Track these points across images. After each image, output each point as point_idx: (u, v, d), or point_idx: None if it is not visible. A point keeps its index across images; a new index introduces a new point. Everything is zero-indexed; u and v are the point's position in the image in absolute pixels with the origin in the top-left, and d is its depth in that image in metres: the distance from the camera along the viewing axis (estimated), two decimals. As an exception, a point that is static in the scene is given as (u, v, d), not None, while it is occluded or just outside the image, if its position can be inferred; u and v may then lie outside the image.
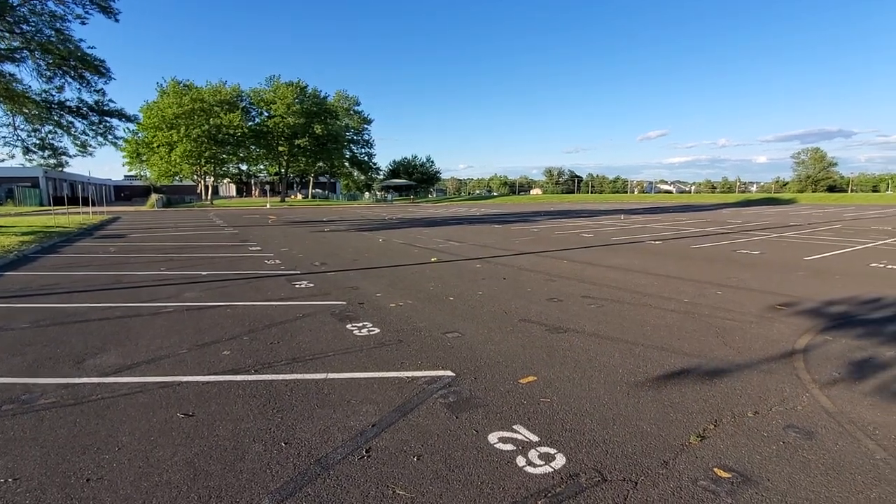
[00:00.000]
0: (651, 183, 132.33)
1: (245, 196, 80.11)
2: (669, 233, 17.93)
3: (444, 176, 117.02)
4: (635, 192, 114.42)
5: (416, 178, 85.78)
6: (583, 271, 9.71)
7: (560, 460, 3.02)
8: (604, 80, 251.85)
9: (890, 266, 10.13)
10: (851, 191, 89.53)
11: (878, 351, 4.95)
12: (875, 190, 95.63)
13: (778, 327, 5.79)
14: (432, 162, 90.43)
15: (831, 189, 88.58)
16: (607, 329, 5.78)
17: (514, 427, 3.44)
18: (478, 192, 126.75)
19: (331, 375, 4.40)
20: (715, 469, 2.93)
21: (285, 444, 3.24)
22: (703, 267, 10.20)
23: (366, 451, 3.12)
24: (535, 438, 3.29)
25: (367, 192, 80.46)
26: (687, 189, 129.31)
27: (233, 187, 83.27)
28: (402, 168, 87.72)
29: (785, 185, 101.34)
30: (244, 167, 70.82)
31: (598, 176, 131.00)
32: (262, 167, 71.69)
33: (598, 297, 7.38)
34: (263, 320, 6.27)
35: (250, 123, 58.48)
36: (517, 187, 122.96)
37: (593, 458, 3.04)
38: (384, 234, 18.90)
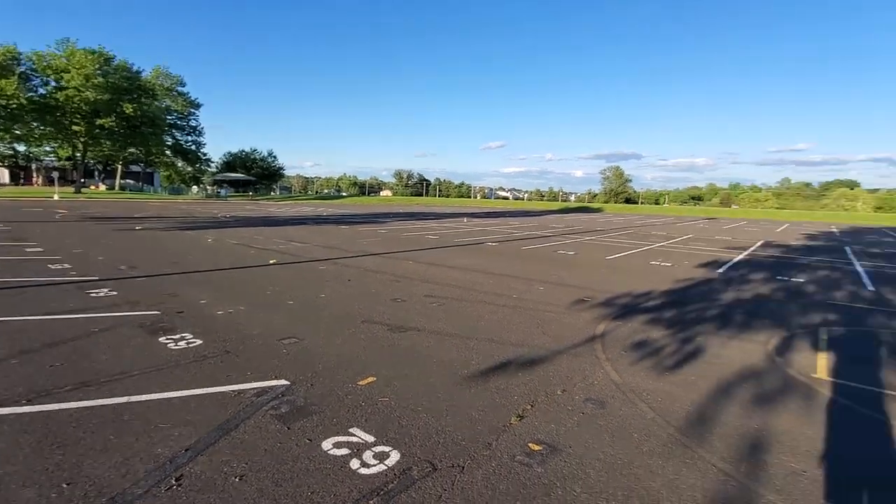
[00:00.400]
0: (491, 189, 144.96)
1: (24, 184, 64.11)
2: (505, 235, 19.80)
3: (289, 173, 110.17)
4: (478, 197, 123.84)
5: (255, 174, 78.85)
6: (427, 271, 10.09)
7: (394, 457, 3.05)
8: (452, 89, 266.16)
9: (664, 264, 12.73)
10: (641, 203, 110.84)
11: (651, 332, 6.15)
12: (657, 202, 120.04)
13: (584, 316, 6.80)
14: (275, 157, 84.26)
15: (627, 201, 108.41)
16: (447, 326, 6.08)
17: (351, 430, 3.38)
18: (326, 191, 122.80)
19: (134, 398, 3.75)
20: (530, 444, 3.28)
21: (67, 485, 2.65)
22: (531, 265, 11.48)
23: (175, 480, 2.72)
24: (370, 439, 3.27)
25: (194, 186, 71.22)
26: (521, 196, 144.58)
27: (6, 173, 65.92)
28: (238, 161, 79.71)
29: (595, 196, 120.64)
30: (22, 148, 56.69)
31: (444, 180, 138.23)
32: (49, 149, 58.19)
33: (440, 296, 7.74)
34: (42, 338, 5.06)
35: (32, 94, 46.87)
36: (367, 188, 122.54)
37: (426, 451, 3.15)
38: (214, 233, 16.98)
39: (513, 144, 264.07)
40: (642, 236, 22.12)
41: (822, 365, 5.15)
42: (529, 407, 3.87)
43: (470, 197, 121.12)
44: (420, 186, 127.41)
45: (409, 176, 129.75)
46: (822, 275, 11.74)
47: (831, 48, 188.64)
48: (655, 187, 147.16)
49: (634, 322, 6.61)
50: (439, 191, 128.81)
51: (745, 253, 16.10)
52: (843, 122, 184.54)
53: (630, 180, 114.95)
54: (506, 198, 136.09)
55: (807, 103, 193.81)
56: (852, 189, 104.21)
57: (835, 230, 33.89)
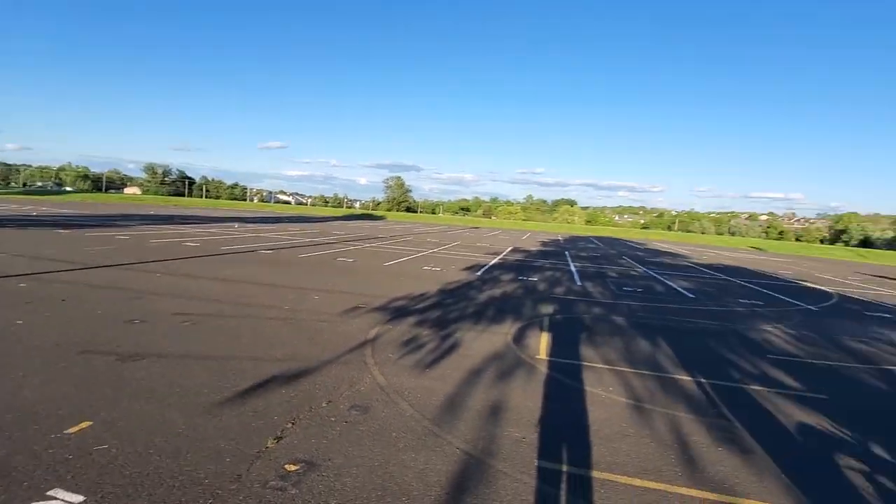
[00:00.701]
0: (271, 193, 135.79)
1: None
2: (282, 242, 18.70)
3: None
4: (255, 201, 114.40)
5: None
6: (180, 285, 8.68)
7: (104, 522, 2.44)
8: (218, 74, 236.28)
9: (435, 269, 13.98)
10: (420, 212, 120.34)
11: (419, 333, 6.61)
12: (433, 212, 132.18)
13: (357, 323, 6.87)
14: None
15: (408, 210, 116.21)
16: (200, 347, 5.30)
17: (51, 493, 2.59)
18: (41, 184, 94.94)
19: None
20: (286, 465, 3.07)
21: None
22: (308, 274, 11.07)
23: None
24: (77, 500, 2.55)
25: None
26: (304, 201, 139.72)
27: None
28: None
29: (378, 204, 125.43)
30: None
31: (213, 180, 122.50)
32: None
33: (195, 314, 6.73)
34: None
35: None
36: (104, 183, 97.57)
37: (155, 501, 2.62)
38: None
39: (296, 146, 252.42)
40: (419, 243, 23.96)
41: (543, 348, 6.38)
42: (290, 425, 3.65)
43: (245, 200, 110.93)
44: (181, 185, 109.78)
45: (166, 172, 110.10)
46: (549, 274, 14.75)
47: (550, 84, 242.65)
48: (432, 198, 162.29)
49: (404, 324, 7.00)
50: (207, 191, 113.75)
51: (498, 258, 19.05)
52: (565, 153, 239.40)
53: (410, 190, 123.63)
54: (287, 202, 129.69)
55: (539, 135, 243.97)
56: (572, 206, 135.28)
57: (560, 238, 43.34)
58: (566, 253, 24.65)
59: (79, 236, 15.61)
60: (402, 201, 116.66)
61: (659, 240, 59.00)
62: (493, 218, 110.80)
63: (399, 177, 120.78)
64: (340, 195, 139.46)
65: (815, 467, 3.63)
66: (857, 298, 14.45)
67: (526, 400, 4.51)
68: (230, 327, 6.18)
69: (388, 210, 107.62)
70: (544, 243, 32.62)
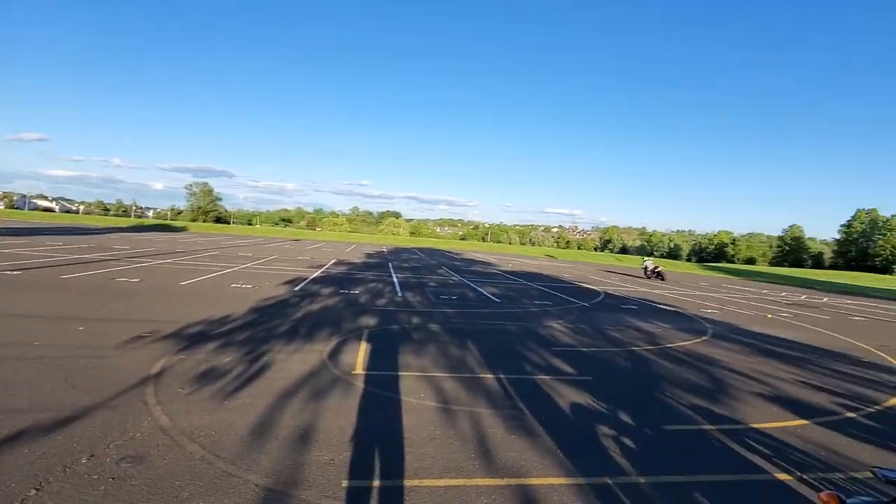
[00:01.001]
0: (25, 197, 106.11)
1: None
2: (37, 260, 14.72)
3: None
4: (0, 206, 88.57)
5: None
6: None
7: None
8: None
9: (245, 286, 12.69)
10: (233, 223, 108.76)
11: (219, 360, 5.86)
12: (250, 223, 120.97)
13: (138, 356, 5.75)
14: None
15: (218, 220, 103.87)
16: None
17: None
18: None
19: None
20: (5, 560, 2.32)
21: None
22: (71, 300, 8.88)
23: None
24: None
25: None
26: (74, 208, 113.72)
27: None
28: None
29: (180, 213, 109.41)
30: None
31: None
32: None
33: None
34: None
35: None
36: None
37: None
38: None
39: (60, 140, 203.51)
40: (228, 258, 21.58)
41: (360, 362, 6.30)
42: (34, 492, 2.83)
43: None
44: None
45: None
46: (372, 286, 14.80)
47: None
48: (248, 208, 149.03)
49: (202, 352, 6.13)
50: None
51: (320, 271, 18.36)
52: (390, 166, 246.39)
53: (221, 199, 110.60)
54: (50, 209, 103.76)
55: (365, 147, 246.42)
56: (397, 218, 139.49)
57: (384, 250, 44.13)
58: (390, 264, 25.18)
59: None
60: (209, 211, 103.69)
61: (474, 250, 64.95)
62: (317, 230, 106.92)
63: (206, 183, 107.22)
64: (127, 202, 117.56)
65: (581, 438, 4.33)
66: (616, 295, 18.14)
67: (339, 419, 4.36)
68: (-69, 379, 4.52)
69: (193, 220, 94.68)
70: (369, 255, 32.79)
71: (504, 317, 10.88)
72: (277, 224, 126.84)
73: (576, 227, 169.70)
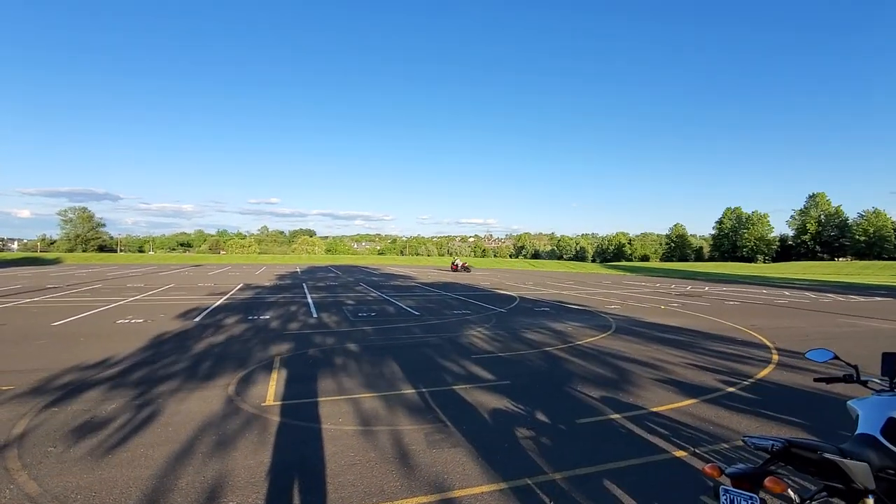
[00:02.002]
0: None
1: None
2: None
3: None
4: None
5: None
6: None
7: None
8: None
9: (135, 320, 11.38)
10: (121, 251, 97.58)
11: (100, 410, 5.14)
12: (141, 250, 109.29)
13: (-6, 415, 4.86)
14: None
15: (102, 248, 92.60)
16: None
17: None
18: None
19: None
20: None
21: None
22: None
23: None
24: None
25: None
26: None
27: None
28: None
29: (53, 243, 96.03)
30: None
31: None
32: None
33: None
34: None
35: None
36: None
37: None
38: None
39: None
40: (114, 290, 19.27)
41: (272, 392, 5.88)
42: None
43: None
44: None
45: None
46: (284, 309, 14.02)
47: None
48: (138, 233, 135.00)
49: (79, 403, 5.34)
50: None
51: (224, 298, 17.05)
52: (301, 183, 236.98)
53: (104, 224, 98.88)
54: None
55: (273, 166, 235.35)
56: (311, 236, 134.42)
57: (298, 270, 42.21)
58: (304, 285, 24.13)
59: None
60: (91, 238, 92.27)
61: (393, 264, 64.52)
62: (222, 253, 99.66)
63: (85, 207, 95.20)
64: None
65: (500, 443, 4.40)
66: (530, 298, 18.97)
67: (248, 458, 4.00)
68: None
69: (70, 250, 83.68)
70: (281, 276, 31.16)
71: (424, 329, 10.86)
72: (175, 249, 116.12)
73: (490, 235, 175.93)
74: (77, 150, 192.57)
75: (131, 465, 3.84)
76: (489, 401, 5.66)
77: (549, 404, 5.56)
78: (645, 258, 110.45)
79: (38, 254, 73.98)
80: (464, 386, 6.28)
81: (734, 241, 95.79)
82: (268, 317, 12.36)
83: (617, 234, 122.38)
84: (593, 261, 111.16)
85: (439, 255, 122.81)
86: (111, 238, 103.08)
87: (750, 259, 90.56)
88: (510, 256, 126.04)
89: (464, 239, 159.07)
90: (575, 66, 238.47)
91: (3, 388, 5.78)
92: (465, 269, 43.30)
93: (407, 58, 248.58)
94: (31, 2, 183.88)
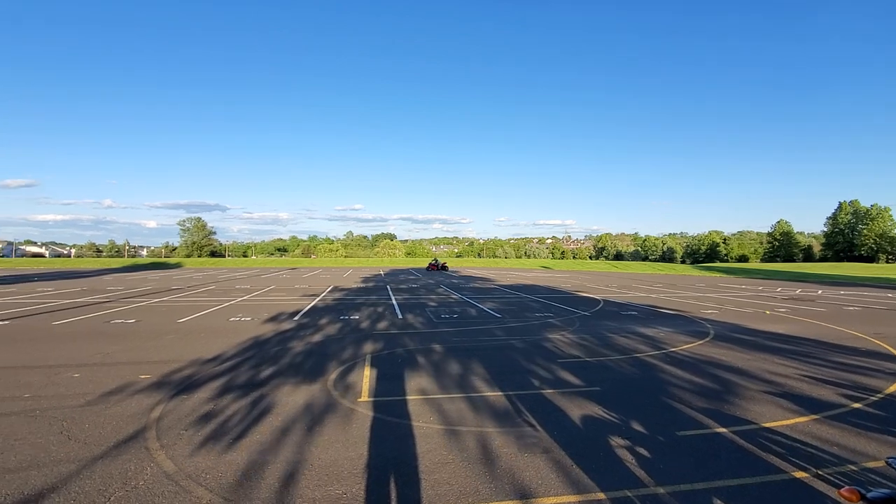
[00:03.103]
0: (12, 244, 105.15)
1: None
2: (27, 307, 14.53)
3: None
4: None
5: None
6: None
7: None
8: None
9: (244, 318, 12.57)
10: (228, 256, 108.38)
11: (221, 398, 5.75)
12: (245, 255, 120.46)
13: (137, 400, 5.63)
14: None
15: (213, 254, 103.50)
16: None
17: None
18: None
19: None
20: None
21: None
22: (63, 347, 8.73)
23: None
24: None
25: None
26: (65, 252, 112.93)
27: None
28: None
29: (174, 249, 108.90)
30: None
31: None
32: None
33: None
34: None
35: None
36: None
37: None
38: None
39: (49, 184, 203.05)
40: (225, 291, 21.42)
41: (366, 389, 6.20)
42: None
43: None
44: None
45: None
46: (372, 310, 14.70)
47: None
48: (243, 240, 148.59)
49: (203, 392, 6.02)
50: None
51: (318, 299, 18.24)
52: (383, 189, 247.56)
53: (215, 232, 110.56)
54: (39, 255, 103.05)
55: (357, 173, 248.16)
56: (392, 240, 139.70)
57: (382, 273, 44.00)
58: (387, 287, 25.08)
59: None
60: (204, 245, 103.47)
61: (471, 266, 64.95)
62: (312, 257, 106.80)
63: (199, 217, 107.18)
64: (120, 242, 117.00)
65: (595, 451, 4.25)
66: (615, 301, 18.11)
67: (349, 450, 4.26)
68: (-76, 440, 4.38)
69: (187, 256, 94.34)
70: (366, 279, 32.67)
71: (506, 331, 10.80)
72: (273, 254, 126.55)
73: (569, 237, 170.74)
74: (193, 167, 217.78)
75: (249, 449, 4.25)
76: (579, 407, 5.49)
77: (645, 413, 5.27)
78: (743, 258, 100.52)
79: (163, 259, 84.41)
80: (551, 391, 6.15)
81: (851, 238, 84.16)
82: (357, 317, 13.03)
83: (710, 233, 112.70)
84: (683, 262, 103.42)
85: (517, 257, 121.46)
86: (220, 244, 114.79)
87: (870, 259, 78.92)
88: (590, 258, 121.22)
89: (541, 241, 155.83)
90: (658, 66, 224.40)
91: (142, 376, 6.67)
92: (443, 267, 45.65)
93: (486, 60, 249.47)
94: (164, 35, 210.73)
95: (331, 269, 51.42)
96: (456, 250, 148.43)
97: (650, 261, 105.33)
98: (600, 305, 16.63)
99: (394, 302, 17.29)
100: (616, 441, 4.48)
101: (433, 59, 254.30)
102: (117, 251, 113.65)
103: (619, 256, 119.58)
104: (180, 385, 6.28)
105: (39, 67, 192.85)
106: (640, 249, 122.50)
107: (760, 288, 26.90)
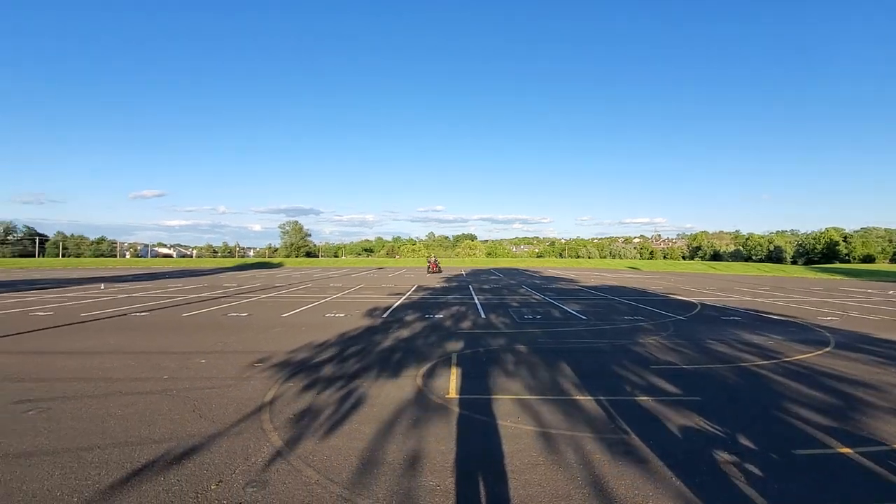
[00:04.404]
0: (147, 246, 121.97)
1: None
2: (160, 301, 16.75)
3: None
4: (127, 256, 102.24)
5: None
6: (23, 366, 7.29)
7: None
8: (78, 116, 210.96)
9: (338, 315, 13.44)
10: (321, 256, 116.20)
11: (323, 389, 6.23)
12: (336, 255, 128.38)
13: (253, 385, 6.29)
14: None
15: (308, 255, 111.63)
16: (50, 440, 4.43)
17: None
18: None
19: None
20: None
21: None
22: (191, 336, 9.97)
23: None
24: None
25: None
26: (188, 253, 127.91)
27: None
28: None
29: (276, 250, 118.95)
30: None
31: (73, 236, 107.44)
32: None
33: (44, 398, 5.65)
34: None
35: None
36: None
37: None
38: None
39: (176, 194, 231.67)
40: (320, 289, 23.01)
41: (454, 386, 6.36)
42: None
43: (116, 256, 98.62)
44: (30, 244, 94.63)
45: (9, 229, 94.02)
46: (455, 309, 14.96)
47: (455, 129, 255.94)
48: (334, 241, 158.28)
49: (307, 380, 6.56)
50: (65, 249, 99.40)
51: (403, 297, 18.94)
52: (464, 190, 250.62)
53: (310, 234, 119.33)
54: (168, 255, 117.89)
55: (438, 174, 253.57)
56: (473, 240, 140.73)
57: (463, 273, 44.54)
58: (470, 287, 25.33)
59: None
60: (301, 246, 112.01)
61: (552, 266, 63.44)
62: (396, 257, 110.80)
63: (296, 221, 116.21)
64: (231, 244, 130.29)
65: (697, 465, 3.99)
66: (714, 305, 16.70)
67: (439, 444, 4.42)
68: (91, 411, 5.27)
69: (287, 256, 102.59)
70: (448, 279, 33.25)
71: (593, 334, 10.44)
72: (360, 254, 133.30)
73: (659, 236, 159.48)
74: (291, 175, 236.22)
75: (349, 436, 4.58)
76: (677, 416, 5.18)
77: (753, 428, 4.84)
78: (868, 259, 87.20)
79: (267, 259, 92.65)
80: (644, 397, 5.86)
81: None
82: (441, 316, 13.34)
83: (827, 231, 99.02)
84: (794, 262, 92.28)
85: (601, 257, 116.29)
86: (315, 245, 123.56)
87: None
88: (682, 258, 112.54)
89: (627, 240, 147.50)
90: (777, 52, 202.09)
91: (256, 364, 7.42)
92: (437, 267, 44.62)
93: (563, 56, 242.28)
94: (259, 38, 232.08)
95: (414, 269, 52.99)
96: (537, 250, 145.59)
97: (754, 261, 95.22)
98: (697, 309, 15.43)
99: (476, 301, 17.44)
100: (722, 456, 4.17)
101: (508, 58, 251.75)
102: (229, 252, 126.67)
103: (716, 256, 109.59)
104: (288, 373, 6.89)
105: (172, 93, 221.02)
106: (741, 249, 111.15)
107: (891, 293, 23.26)
